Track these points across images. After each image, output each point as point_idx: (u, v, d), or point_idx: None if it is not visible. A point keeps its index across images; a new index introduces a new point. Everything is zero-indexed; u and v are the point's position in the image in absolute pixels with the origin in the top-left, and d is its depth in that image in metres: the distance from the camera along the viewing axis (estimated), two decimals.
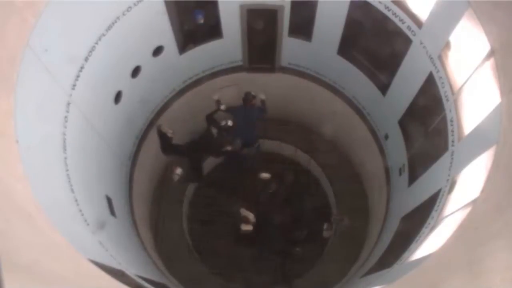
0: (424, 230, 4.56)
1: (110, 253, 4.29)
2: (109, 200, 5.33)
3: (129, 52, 5.31)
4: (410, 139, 5.96)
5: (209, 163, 8.60)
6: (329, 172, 8.21)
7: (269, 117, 8.31)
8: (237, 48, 6.85)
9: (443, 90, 4.70)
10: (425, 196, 5.04)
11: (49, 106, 4.00)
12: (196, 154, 7.12)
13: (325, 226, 6.73)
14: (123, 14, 4.79)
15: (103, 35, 4.61)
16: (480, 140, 3.92)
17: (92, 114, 4.86)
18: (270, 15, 6.24)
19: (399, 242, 5.37)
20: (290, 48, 6.82)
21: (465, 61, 4.24)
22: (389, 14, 5.12)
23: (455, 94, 4.49)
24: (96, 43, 4.54)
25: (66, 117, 4.22)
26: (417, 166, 5.74)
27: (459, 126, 4.43)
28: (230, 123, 6.85)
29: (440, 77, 4.71)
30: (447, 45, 4.53)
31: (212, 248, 7.86)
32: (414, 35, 4.99)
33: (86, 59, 4.46)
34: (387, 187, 6.76)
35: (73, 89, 4.31)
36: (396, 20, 5.09)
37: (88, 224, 4.23)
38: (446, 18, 4.37)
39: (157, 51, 5.87)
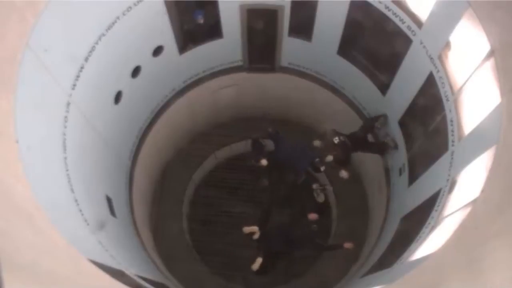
0: (424, 230, 4.56)
1: (110, 253, 4.29)
2: (109, 200, 5.33)
3: (129, 52, 5.31)
4: (410, 139, 5.96)
5: (210, 163, 8.62)
6: (329, 172, 8.19)
7: (269, 117, 8.34)
8: (237, 48, 6.85)
9: (443, 90, 4.69)
10: (425, 196, 5.04)
11: (49, 106, 4.00)
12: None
13: (314, 186, 6.99)
14: (123, 14, 4.79)
15: (103, 35, 4.61)
16: (480, 140, 3.92)
17: (92, 114, 4.86)
18: (270, 15, 6.24)
19: (399, 242, 5.36)
20: (290, 48, 6.82)
21: (465, 61, 4.24)
22: (389, 14, 5.12)
23: (455, 94, 4.49)
24: (96, 43, 4.54)
25: (66, 117, 4.21)
26: (417, 166, 5.74)
27: (459, 126, 4.43)
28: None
29: (440, 77, 4.70)
30: (447, 45, 4.53)
31: (212, 248, 7.86)
32: (414, 35, 4.99)
33: (86, 59, 4.45)
34: (387, 187, 6.76)
35: (73, 89, 4.31)
36: (396, 20, 5.09)
37: (88, 224, 4.23)
38: (446, 18, 4.37)
39: (157, 51, 5.87)
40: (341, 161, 7.12)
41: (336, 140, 6.78)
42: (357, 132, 6.90)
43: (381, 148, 6.79)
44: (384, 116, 6.54)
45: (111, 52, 4.85)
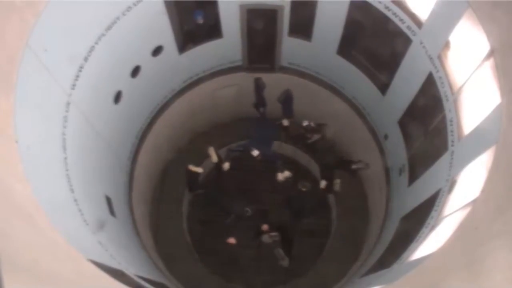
0: (424, 230, 4.56)
1: (110, 253, 4.29)
2: (109, 200, 5.33)
3: (129, 52, 5.31)
4: (410, 139, 5.96)
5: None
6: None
7: (269, 117, 8.33)
8: (237, 48, 6.85)
9: (443, 90, 4.70)
10: (425, 196, 5.04)
11: (49, 106, 4.00)
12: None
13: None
14: (123, 14, 4.79)
15: (103, 35, 4.61)
16: (480, 140, 3.92)
17: (92, 114, 4.86)
18: (270, 15, 6.24)
19: (399, 242, 5.37)
20: (290, 48, 6.82)
21: (465, 61, 4.24)
22: (389, 14, 5.12)
23: (455, 94, 4.50)
24: (96, 43, 4.54)
25: (66, 117, 4.22)
26: (417, 166, 5.74)
27: (459, 126, 4.43)
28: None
29: (440, 77, 4.71)
30: (447, 45, 4.53)
31: (212, 248, 7.86)
32: (414, 35, 4.99)
33: (86, 59, 4.46)
34: (387, 187, 6.76)
35: (73, 89, 4.31)
36: (396, 20, 5.09)
37: (88, 224, 4.23)
38: (446, 18, 4.37)
39: (157, 51, 5.87)
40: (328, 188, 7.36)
41: (303, 188, 6.90)
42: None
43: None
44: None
45: (110, 52, 4.85)
